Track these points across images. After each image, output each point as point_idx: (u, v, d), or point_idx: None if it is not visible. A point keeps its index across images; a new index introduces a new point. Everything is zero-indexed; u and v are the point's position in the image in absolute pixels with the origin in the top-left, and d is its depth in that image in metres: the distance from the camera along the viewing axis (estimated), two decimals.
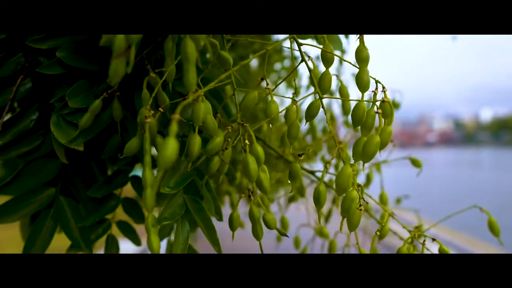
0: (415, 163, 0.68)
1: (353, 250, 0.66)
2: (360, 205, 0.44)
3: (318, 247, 0.79)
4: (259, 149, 0.43)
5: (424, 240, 0.51)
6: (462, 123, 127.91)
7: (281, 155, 0.67)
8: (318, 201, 0.42)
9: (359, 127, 0.44)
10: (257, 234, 0.50)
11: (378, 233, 0.52)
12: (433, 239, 0.51)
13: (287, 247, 0.85)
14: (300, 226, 0.83)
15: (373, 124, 0.44)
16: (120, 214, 0.65)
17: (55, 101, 0.54)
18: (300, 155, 0.45)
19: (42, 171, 0.58)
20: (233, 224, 0.51)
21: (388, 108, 0.44)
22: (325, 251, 0.72)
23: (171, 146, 0.32)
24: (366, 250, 0.63)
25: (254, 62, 1.44)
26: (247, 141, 0.43)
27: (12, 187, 0.56)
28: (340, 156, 0.41)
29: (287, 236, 0.50)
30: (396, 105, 0.92)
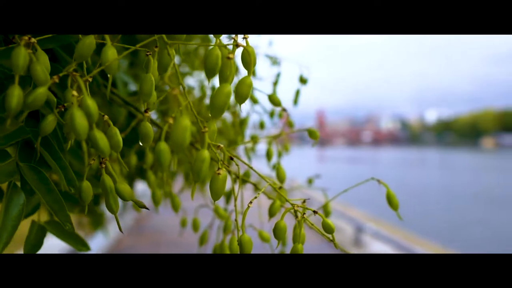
0: (312, 134, 0.66)
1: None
2: (218, 169, 0.41)
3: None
4: (90, 102, 0.38)
5: (304, 213, 0.48)
6: (408, 124, 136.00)
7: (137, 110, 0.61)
8: (159, 161, 0.37)
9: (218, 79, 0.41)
10: (110, 206, 0.45)
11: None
12: (315, 212, 0.49)
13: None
14: (199, 207, 0.79)
15: (229, 75, 0.40)
16: None
17: None
18: (146, 111, 0.40)
19: None
20: (82, 196, 0.45)
21: (247, 56, 0.41)
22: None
23: None
24: (267, 231, 0.60)
25: None
26: (74, 93, 0.37)
27: None
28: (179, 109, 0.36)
29: (146, 208, 0.46)
30: (303, 80, 0.91)
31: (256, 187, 0.61)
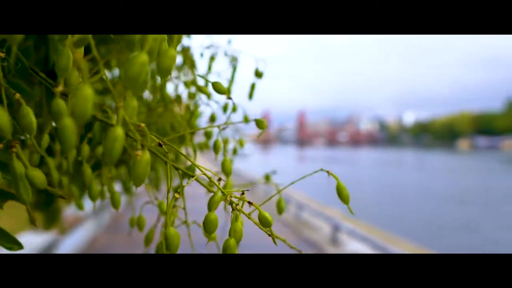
0: (259, 124, 0.63)
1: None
2: (137, 150, 0.37)
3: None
4: None
5: (238, 204, 0.45)
6: (387, 125, 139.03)
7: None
8: (62, 139, 0.33)
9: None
10: (21, 196, 0.41)
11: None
12: (250, 203, 0.45)
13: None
14: (145, 203, 0.75)
15: (148, 44, 0.36)
16: None
17: None
18: (57, 85, 0.36)
19: None
20: None
21: None
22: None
23: None
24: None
25: None
26: None
27: None
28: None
29: (63, 197, 0.42)
30: (259, 74, 0.88)
31: (199, 181, 0.57)
